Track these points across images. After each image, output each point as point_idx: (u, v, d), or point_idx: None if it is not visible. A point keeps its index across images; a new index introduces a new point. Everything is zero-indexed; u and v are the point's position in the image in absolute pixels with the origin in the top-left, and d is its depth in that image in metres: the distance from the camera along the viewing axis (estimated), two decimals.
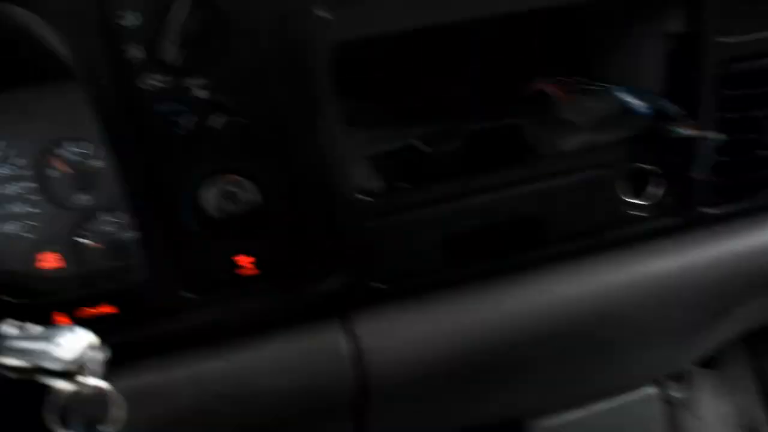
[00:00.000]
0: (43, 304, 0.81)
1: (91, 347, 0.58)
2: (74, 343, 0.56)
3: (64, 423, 0.59)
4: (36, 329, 0.59)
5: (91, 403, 0.78)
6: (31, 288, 0.83)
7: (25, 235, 0.89)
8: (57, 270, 0.89)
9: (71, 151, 0.89)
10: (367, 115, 0.90)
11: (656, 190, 0.90)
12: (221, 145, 0.78)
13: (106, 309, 0.83)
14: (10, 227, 0.89)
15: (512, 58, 1.01)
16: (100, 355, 0.59)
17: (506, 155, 0.91)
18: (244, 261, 0.84)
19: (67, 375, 0.56)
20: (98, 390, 0.59)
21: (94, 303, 0.82)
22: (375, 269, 0.85)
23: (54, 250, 0.89)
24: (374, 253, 0.83)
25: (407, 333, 0.89)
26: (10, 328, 0.59)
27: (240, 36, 0.74)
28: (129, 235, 0.89)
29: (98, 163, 0.89)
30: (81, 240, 0.89)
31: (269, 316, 0.86)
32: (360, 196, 0.80)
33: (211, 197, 0.80)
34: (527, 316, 0.93)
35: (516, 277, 0.91)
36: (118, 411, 0.63)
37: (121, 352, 0.82)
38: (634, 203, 0.90)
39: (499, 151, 0.92)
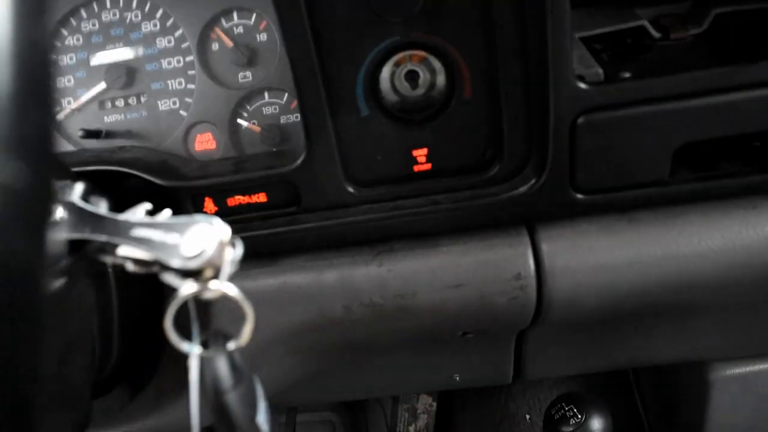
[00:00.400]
0: (193, 188, 0.73)
1: (225, 244, 0.46)
2: (206, 237, 0.45)
3: (183, 331, 0.48)
4: (170, 218, 0.48)
5: (219, 311, 0.70)
6: (182, 170, 0.75)
7: (182, 112, 0.81)
8: (211, 152, 0.81)
9: (236, 23, 0.81)
10: None
11: None
12: (418, 16, 0.64)
13: (258, 198, 0.73)
14: (167, 104, 0.82)
15: None
16: (234, 255, 0.47)
17: (757, 47, 0.70)
18: (417, 153, 0.72)
19: (191, 274, 0.45)
20: (227, 296, 0.47)
21: (246, 191, 0.73)
22: (577, 175, 0.69)
23: (210, 131, 0.81)
24: (579, 154, 0.67)
25: (600, 257, 0.73)
26: (140, 213, 0.49)
27: None
28: (292, 118, 0.80)
29: (264, 38, 0.79)
30: (240, 121, 0.80)
31: (440, 221, 0.73)
32: (576, 83, 0.64)
33: (390, 77, 0.69)
34: (742, 253, 0.74)
35: (742, 204, 0.72)
36: (248, 323, 0.51)
37: (267, 248, 0.75)
38: None
39: (758, 41, 0.71)
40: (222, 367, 0.46)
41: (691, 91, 0.65)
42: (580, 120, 0.66)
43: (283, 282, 0.76)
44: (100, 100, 0.85)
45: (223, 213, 0.75)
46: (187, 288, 0.45)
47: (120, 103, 0.84)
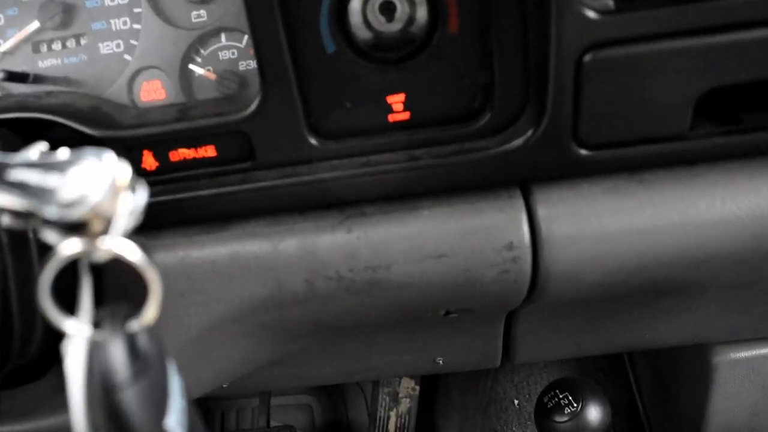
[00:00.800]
0: (128, 139, 0.62)
1: (121, 187, 0.34)
2: (93, 178, 0.33)
3: (65, 303, 0.36)
4: (60, 154, 0.35)
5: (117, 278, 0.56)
6: (116, 117, 0.64)
7: (126, 57, 0.70)
8: (160, 103, 0.70)
9: None
10: None
11: None
12: None
13: (206, 151, 0.63)
14: (109, 46, 0.71)
15: None
16: (133, 202, 0.35)
17: None
18: (393, 100, 0.61)
19: (74, 228, 0.33)
20: (121, 257, 0.35)
21: (192, 143, 0.62)
22: (580, 126, 0.58)
23: (158, 78, 0.70)
24: (585, 101, 0.56)
25: (605, 224, 0.62)
26: (31, 154, 0.37)
27: None
28: (252, 64, 0.69)
29: None
30: (192, 67, 0.70)
31: (419, 180, 0.62)
32: (583, 11, 0.52)
33: (361, 9, 0.59)
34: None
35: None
36: (153, 296, 0.38)
37: (217, 210, 0.64)
38: None
39: None
40: (116, 354, 0.35)
41: (724, 22, 0.54)
42: (587, 57, 0.55)
43: (235, 251, 0.65)
44: (33, 42, 0.74)
45: (165, 169, 0.64)
46: (66, 246, 0.34)
47: (57, 45, 0.74)
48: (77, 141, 0.63)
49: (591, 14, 0.53)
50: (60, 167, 0.34)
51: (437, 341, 1.01)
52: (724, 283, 0.74)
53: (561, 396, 0.97)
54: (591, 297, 0.70)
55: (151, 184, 0.66)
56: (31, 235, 0.55)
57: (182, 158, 0.64)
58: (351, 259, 0.64)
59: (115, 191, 0.34)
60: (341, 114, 0.62)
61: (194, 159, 0.64)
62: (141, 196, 0.37)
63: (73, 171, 0.33)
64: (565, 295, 0.68)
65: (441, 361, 1.06)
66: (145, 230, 0.70)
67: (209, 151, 0.63)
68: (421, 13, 0.59)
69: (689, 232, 0.62)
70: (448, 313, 0.76)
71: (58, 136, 0.63)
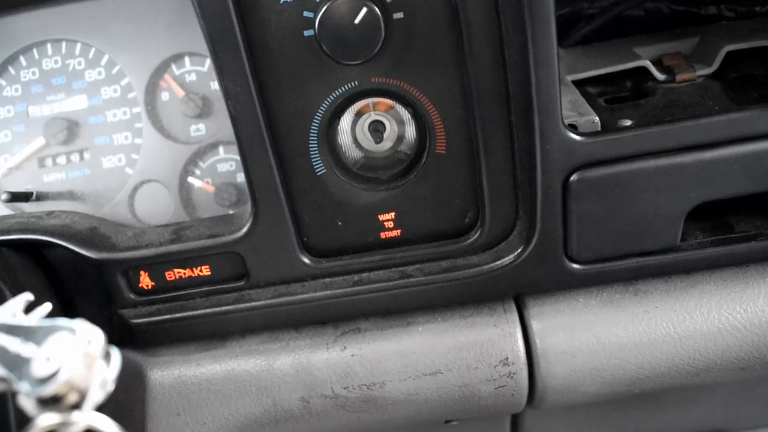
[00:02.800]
0: (124, 261, 0.63)
1: (94, 358, 0.34)
2: (65, 351, 0.33)
3: None
4: (36, 319, 0.36)
5: None
6: (113, 239, 0.65)
7: (128, 170, 0.72)
8: (160, 215, 0.71)
9: (188, 70, 0.73)
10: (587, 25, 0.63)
11: None
12: (377, 57, 0.54)
13: (201, 271, 0.63)
14: (111, 160, 0.73)
15: None
16: (106, 373, 0.35)
17: None
18: (384, 218, 0.61)
19: (50, 401, 0.33)
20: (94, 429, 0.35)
21: (187, 263, 0.63)
22: (571, 242, 0.58)
23: (158, 191, 0.72)
24: (573, 218, 0.56)
25: (601, 335, 0.62)
26: (15, 307, 0.38)
27: None
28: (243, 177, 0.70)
29: (217, 86, 0.70)
30: (191, 180, 0.71)
31: (413, 297, 0.62)
32: (567, 133, 0.53)
33: (351, 130, 0.60)
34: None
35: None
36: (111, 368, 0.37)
37: (212, 329, 0.64)
38: None
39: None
40: None
41: (706, 140, 0.54)
42: (574, 177, 0.55)
43: (230, 369, 0.65)
44: (39, 157, 0.75)
45: (161, 288, 0.65)
46: (42, 419, 0.34)
47: (61, 160, 0.75)
48: (76, 261, 0.64)
49: (576, 137, 0.54)
50: (36, 337, 0.34)
51: None
52: (727, 383, 0.72)
53: None
54: (591, 404, 0.69)
55: (148, 303, 0.67)
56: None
57: (178, 277, 0.64)
58: (346, 377, 0.64)
59: (88, 363, 0.34)
60: (333, 232, 0.63)
61: (189, 278, 0.64)
62: (114, 365, 0.37)
63: (48, 342, 0.34)
64: (566, 403, 0.66)
65: None
66: (142, 347, 0.70)
67: (204, 271, 0.64)
68: (410, 133, 0.61)
69: (686, 344, 0.61)
70: (448, 421, 0.74)
71: (57, 255, 0.65)
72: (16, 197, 0.74)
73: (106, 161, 0.75)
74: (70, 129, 0.74)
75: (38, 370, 0.33)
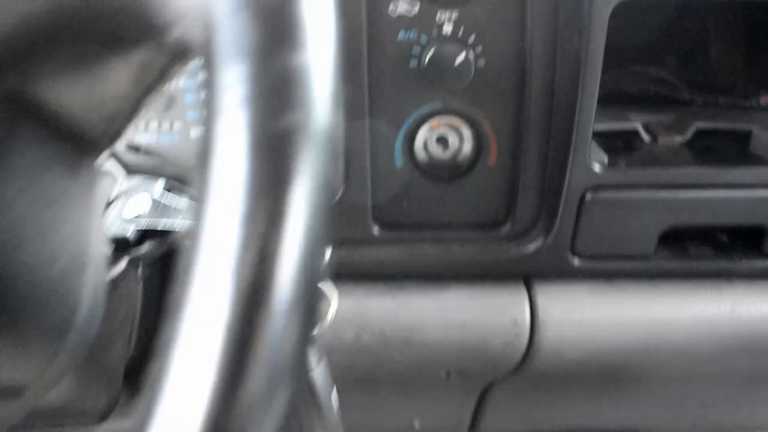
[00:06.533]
0: None
1: None
2: None
3: None
4: None
5: None
6: None
7: None
8: None
9: None
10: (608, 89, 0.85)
11: None
12: (452, 83, 0.75)
13: None
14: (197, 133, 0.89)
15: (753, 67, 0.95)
16: None
17: (731, 157, 0.84)
18: (439, 205, 0.82)
19: None
20: None
21: None
22: (577, 243, 0.80)
23: None
24: (583, 224, 0.78)
25: (587, 316, 0.84)
26: None
27: None
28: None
29: None
30: None
31: (451, 267, 0.83)
32: (592, 165, 0.75)
33: (424, 137, 0.80)
34: (712, 326, 0.86)
35: (722, 284, 0.84)
36: (330, 306, 0.59)
37: None
38: None
39: (728, 153, 0.85)
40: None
41: (681, 182, 0.78)
42: (588, 195, 0.77)
43: None
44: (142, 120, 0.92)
45: None
46: None
47: (155, 125, 0.92)
48: None
49: (596, 167, 0.76)
50: None
51: (417, 404, 1.17)
52: (672, 373, 0.95)
53: None
54: (566, 374, 0.91)
55: None
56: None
57: None
58: (393, 320, 0.84)
59: None
60: (399, 211, 0.83)
61: None
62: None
63: None
64: (548, 368, 0.88)
65: (417, 425, 1.23)
66: None
67: None
68: (467, 148, 0.81)
69: (646, 327, 0.84)
70: (448, 374, 0.95)
71: None
72: (132, 148, 0.90)
73: (193, 134, 0.92)
74: (168, 101, 0.91)
75: None
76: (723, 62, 1.03)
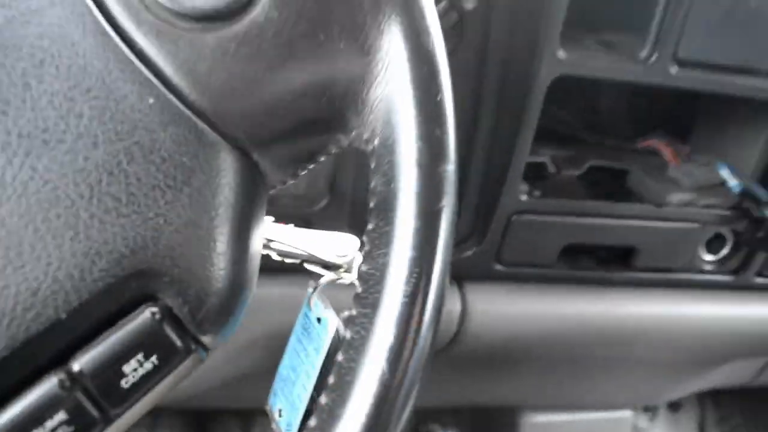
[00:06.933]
0: None
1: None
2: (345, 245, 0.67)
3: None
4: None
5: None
6: None
7: None
8: None
9: None
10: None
11: (727, 253, 1.11)
12: None
13: None
14: None
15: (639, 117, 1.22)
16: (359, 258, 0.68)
17: (614, 189, 1.11)
18: None
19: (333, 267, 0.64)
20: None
21: None
22: (501, 253, 1.03)
23: None
24: (507, 238, 1.02)
25: (507, 308, 1.08)
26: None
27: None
28: None
29: None
30: None
31: None
32: (520, 195, 0.99)
33: None
34: (593, 321, 1.13)
35: (602, 289, 1.11)
36: None
37: None
38: (706, 259, 1.11)
39: (612, 186, 1.11)
40: None
41: (577, 212, 1.04)
42: (514, 217, 1.01)
43: None
44: None
45: None
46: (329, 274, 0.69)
47: None
48: None
49: (523, 197, 1.00)
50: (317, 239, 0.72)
51: None
52: (560, 356, 1.21)
53: None
54: (482, 353, 1.15)
55: None
56: None
57: None
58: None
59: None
60: None
61: None
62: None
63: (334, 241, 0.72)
64: (470, 346, 1.12)
65: None
66: None
67: None
68: None
69: (545, 318, 1.10)
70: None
71: None
72: None
73: None
74: None
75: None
76: (611, 110, 1.30)
